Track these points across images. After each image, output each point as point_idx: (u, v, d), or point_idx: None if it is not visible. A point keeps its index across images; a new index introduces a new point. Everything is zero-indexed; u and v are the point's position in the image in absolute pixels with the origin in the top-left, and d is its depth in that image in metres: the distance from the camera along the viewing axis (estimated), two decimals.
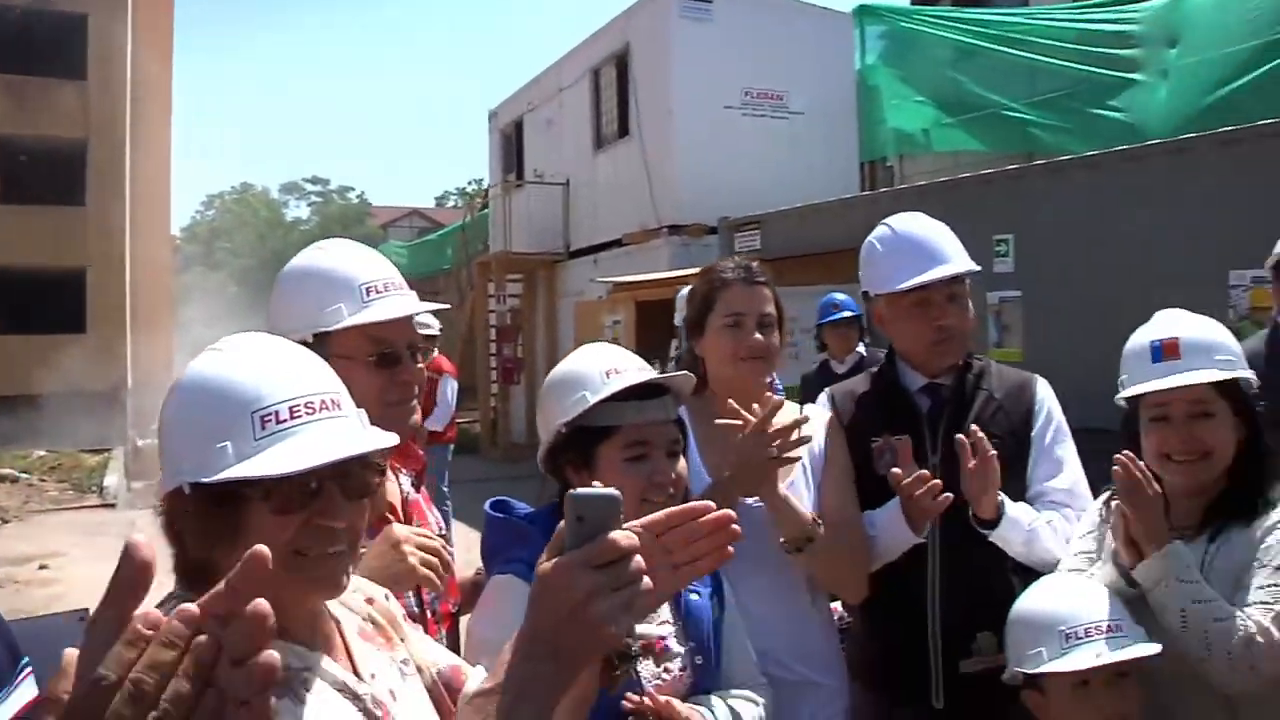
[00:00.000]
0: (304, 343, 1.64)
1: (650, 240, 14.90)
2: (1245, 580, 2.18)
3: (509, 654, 1.23)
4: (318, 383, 1.39)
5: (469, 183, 46.82)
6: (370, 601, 1.63)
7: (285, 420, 1.32)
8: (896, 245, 2.78)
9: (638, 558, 1.20)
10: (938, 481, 2.44)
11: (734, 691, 2.20)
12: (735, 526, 1.27)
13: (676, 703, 2.00)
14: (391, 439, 1.40)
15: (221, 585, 0.82)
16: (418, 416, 2.17)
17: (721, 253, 11.87)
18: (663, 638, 1.38)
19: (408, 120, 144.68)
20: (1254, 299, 6.67)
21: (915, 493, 2.44)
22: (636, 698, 1.99)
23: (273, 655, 0.79)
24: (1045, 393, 2.80)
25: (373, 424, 1.45)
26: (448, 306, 2.63)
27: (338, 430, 1.36)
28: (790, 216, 11.95)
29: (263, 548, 0.83)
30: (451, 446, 10.37)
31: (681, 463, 2.16)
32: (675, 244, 14.40)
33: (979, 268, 2.76)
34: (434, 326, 10.54)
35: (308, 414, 1.33)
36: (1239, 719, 2.18)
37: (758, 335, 2.57)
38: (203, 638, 0.79)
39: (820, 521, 2.48)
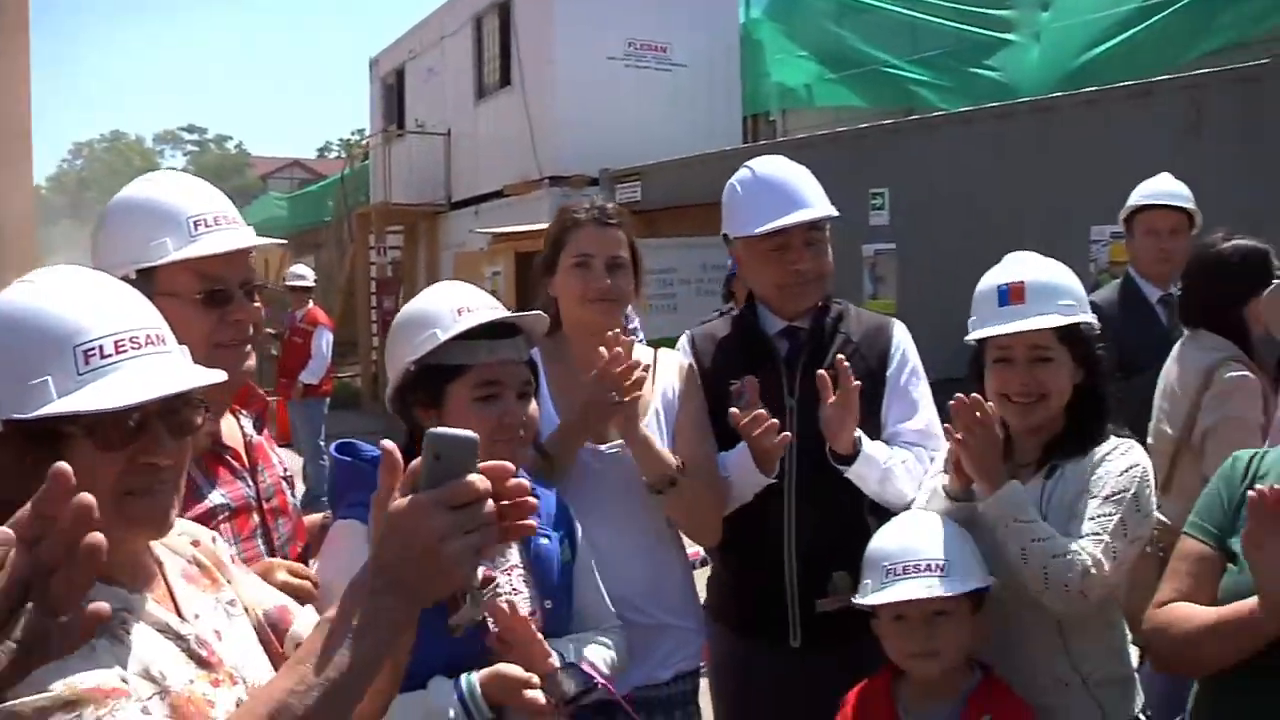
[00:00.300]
0: (127, 279, 1.57)
1: (532, 191, 14.72)
2: (1079, 509, 2.26)
3: (352, 588, 1.22)
4: (141, 318, 1.35)
5: (352, 134, 45.66)
6: (196, 544, 1.58)
7: (110, 355, 1.28)
8: (756, 189, 2.77)
9: (490, 502, 1.21)
10: (774, 421, 2.45)
11: (584, 635, 2.19)
12: (533, 499, 1.25)
13: (523, 631, 1.97)
14: (217, 375, 1.36)
15: (27, 507, 0.81)
16: (252, 362, 2.08)
17: None
18: (494, 577, 1.37)
19: (289, 68, 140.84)
20: (1113, 253, 6.90)
21: (754, 433, 2.44)
22: (505, 614, 1.94)
23: (97, 537, 0.81)
24: (902, 335, 2.83)
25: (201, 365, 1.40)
26: (283, 242, 2.51)
27: (163, 366, 1.32)
28: (671, 168, 11.94)
29: (63, 465, 0.82)
30: (327, 400, 10.17)
31: (533, 405, 2.13)
32: (556, 195, 14.22)
33: (837, 213, 2.76)
34: (309, 278, 10.31)
35: (133, 349, 1.30)
36: (1064, 634, 2.29)
37: (607, 279, 2.54)
38: (11, 551, 0.79)
39: (682, 463, 2.47)
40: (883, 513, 2.67)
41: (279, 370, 10.23)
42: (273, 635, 1.57)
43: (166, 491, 1.35)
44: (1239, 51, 8.94)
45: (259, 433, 2.26)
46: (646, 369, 2.37)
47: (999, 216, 7.74)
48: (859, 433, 2.53)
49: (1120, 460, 2.30)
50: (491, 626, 1.92)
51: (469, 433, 1.20)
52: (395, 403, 2.14)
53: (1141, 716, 2.39)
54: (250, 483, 2.13)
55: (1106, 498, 2.25)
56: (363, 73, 22.23)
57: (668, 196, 11.32)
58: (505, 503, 1.24)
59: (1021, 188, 7.82)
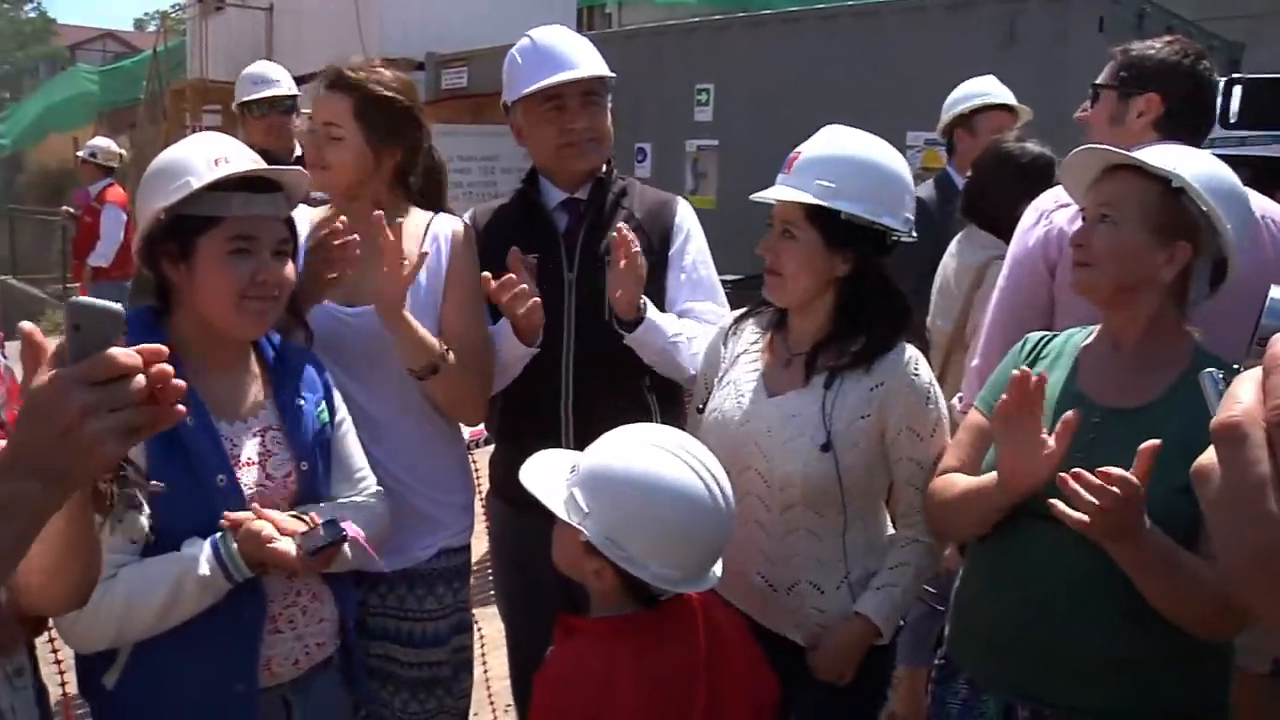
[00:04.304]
0: None
1: None
2: (868, 428, 2.24)
3: None
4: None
5: (171, 5, 42.91)
6: None
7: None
8: (533, 53, 2.73)
9: (140, 378, 1.10)
10: (524, 287, 2.41)
11: (343, 499, 2.16)
12: (179, 383, 1.13)
13: (275, 514, 1.94)
14: None
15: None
16: None
17: (427, 89, 11.46)
18: (159, 488, 1.29)
19: None
20: (926, 159, 7.07)
21: (503, 299, 2.41)
22: (233, 515, 1.91)
23: None
24: (685, 213, 2.82)
25: None
26: None
27: None
28: (499, 54, 11.55)
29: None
30: (128, 284, 9.63)
31: (289, 266, 2.05)
32: None
33: (613, 74, 2.74)
34: (101, 154, 9.59)
35: None
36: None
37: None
38: None
39: (447, 349, 2.42)
40: (663, 389, 2.71)
41: (73, 253, 9.62)
42: None
43: None
44: None
45: None
46: (385, 247, 2.28)
47: (820, 117, 7.79)
48: (645, 299, 2.50)
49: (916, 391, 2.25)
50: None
51: (115, 305, 1.11)
52: (143, 254, 2.04)
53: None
54: None
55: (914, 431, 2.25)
56: None
57: (495, 82, 11.03)
58: (157, 386, 1.13)
59: (843, 90, 7.91)
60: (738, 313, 2.55)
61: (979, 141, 4.26)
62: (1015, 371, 1.91)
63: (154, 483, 1.29)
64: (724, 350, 2.49)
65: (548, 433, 2.64)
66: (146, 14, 63.67)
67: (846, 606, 2.26)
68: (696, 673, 1.86)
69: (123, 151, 10.18)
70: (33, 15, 59.90)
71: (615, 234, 2.46)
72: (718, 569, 1.91)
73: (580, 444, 2.61)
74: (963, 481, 2.11)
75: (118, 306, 1.10)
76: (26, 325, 1.18)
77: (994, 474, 1.98)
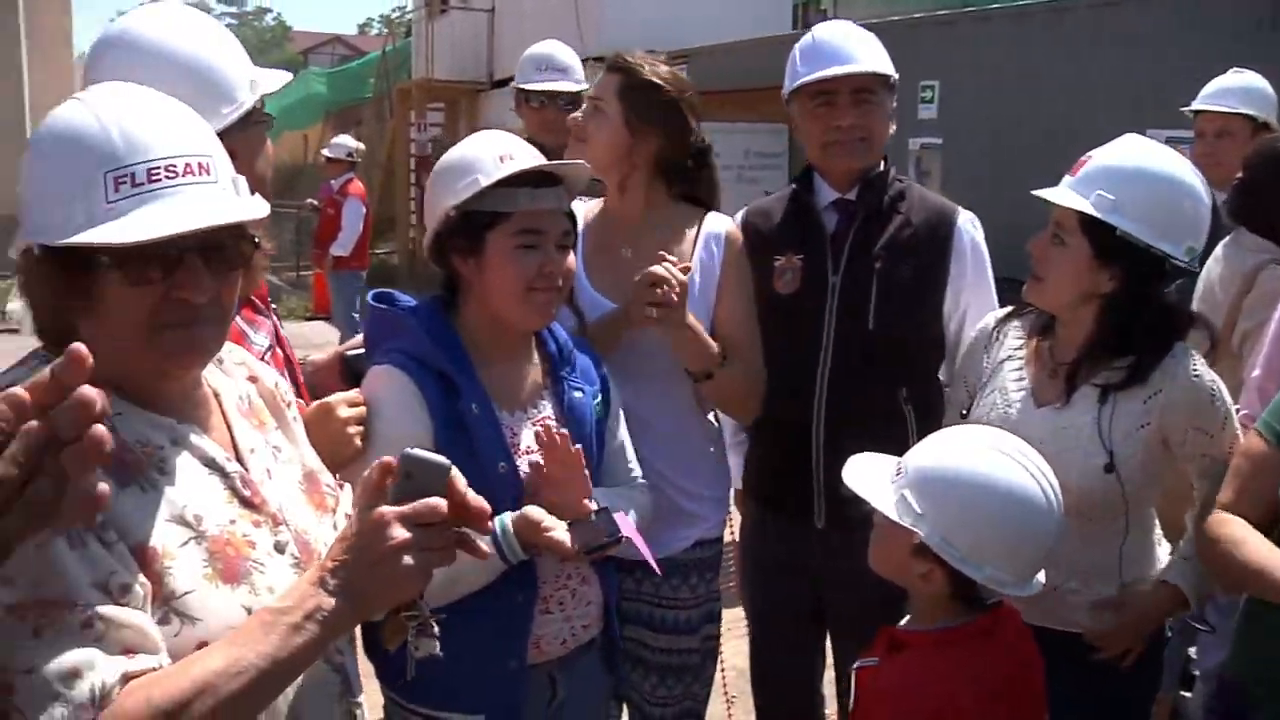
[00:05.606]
0: None
1: None
2: (1148, 437, 2.16)
3: (303, 583, 1.25)
4: (186, 143, 1.27)
5: (393, 10, 44.91)
6: (253, 380, 1.57)
7: (142, 183, 1.22)
8: (810, 48, 2.66)
9: (451, 530, 1.26)
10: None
11: (615, 489, 2.23)
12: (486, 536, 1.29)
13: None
14: (257, 209, 1.32)
15: (46, 373, 0.78)
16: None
17: None
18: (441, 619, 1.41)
19: None
20: None
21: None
22: (551, 425, 2.03)
23: (100, 431, 0.78)
24: (968, 227, 2.68)
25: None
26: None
27: (202, 197, 1.26)
28: (718, 52, 11.71)
29: (80, 347, 0.78)
30: (363, 274, 10.17)
31: (571, 257, 2.12)
32: (601, 75, 14.03)
33: (894, 74, 2.66)
34: (343, 150, 10.13)
35: (169, 177, 1.23)
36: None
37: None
38: (32, 423, 0.77)
39: (723, 353, 2.45)
40: (920, 400, 2.63)
41: (314, 241, 10.19)
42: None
43: (205, 324, 1.31)
44: None
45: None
46: (683, 287, 2.30)
47: (1053, 113, 7.55)
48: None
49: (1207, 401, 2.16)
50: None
51: (444, 460, 1.26)
52: (433, 250, 2.14)
53: None
54: (268, 317, 2.14)
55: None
56: None
57: (714, 80, 11.11)
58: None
59: (1074, 84, 7.61)
60: (999, 314, 2.49)
61: (1206, 143, 3.99)
62: None
63: (436, 614, 1.38)
64: (986, 356, 2.43)
65: (799, 435, 2.65)
66: (369, 19, 66.79)
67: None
68: (1026, 683, 1.85)
69: (361, 146, 10.73)
70: (273, 24, 63.86)
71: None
72: (1041, 575, 1.89)
73: (829, 448, 2.60)
74: (1249, 547, 1.93)
75: (445, 461, 1.26)
76: (385, 460, 1.28)
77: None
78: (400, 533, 1.21)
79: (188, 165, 1.26)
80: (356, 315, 9.77)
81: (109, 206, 1.20)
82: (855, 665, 2.00)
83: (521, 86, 4.43)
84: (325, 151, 10.35)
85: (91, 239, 1.19)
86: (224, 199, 1.29)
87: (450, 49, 18.16)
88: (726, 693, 3.58)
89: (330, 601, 1.22)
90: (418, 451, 1.25)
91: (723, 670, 3.34)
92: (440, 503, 1.24)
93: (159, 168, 1.23)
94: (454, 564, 1.94)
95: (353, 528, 1.24)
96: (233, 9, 68.33)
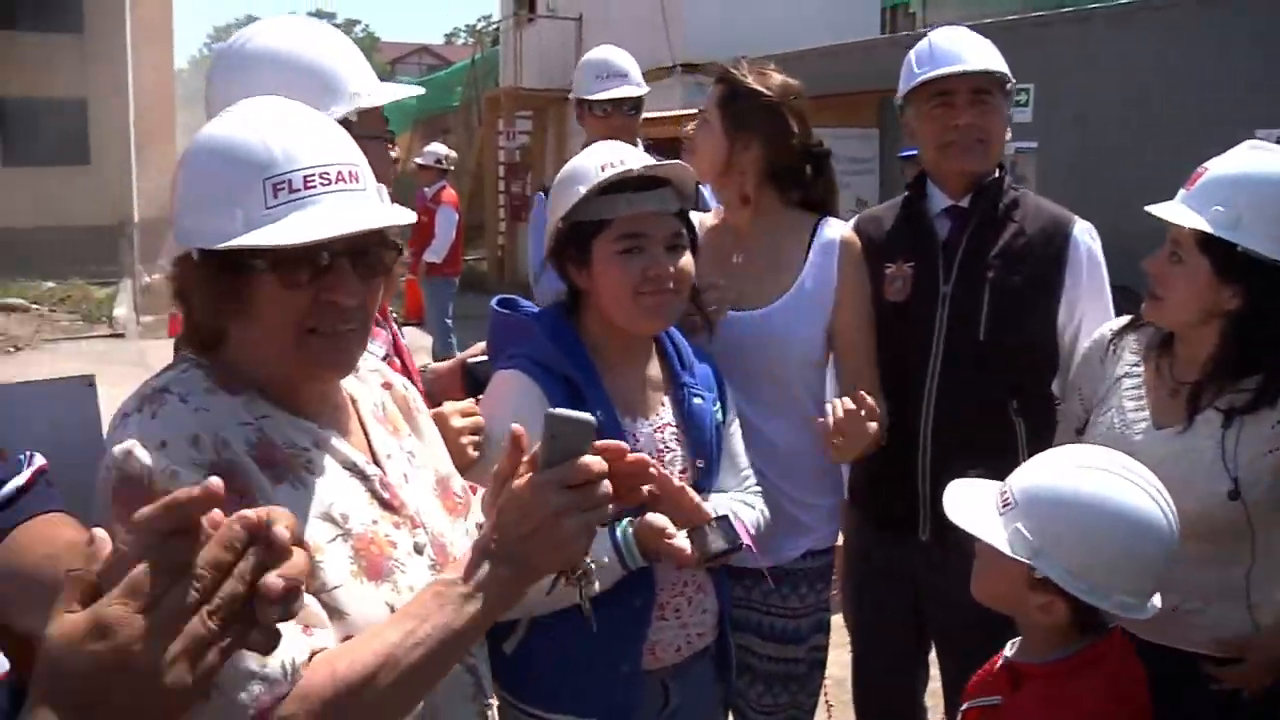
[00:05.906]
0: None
1: (663, 78, 14.54)
2: (1276, 463, 2.07)
3: (473, 551, 1.27)
4: (336, 152, 1.33)
5: (479, 19, 45.58)
6: (387, 386, 1.63)
7: (298, 190, 1.27)
8: (926, 51, 2.64)
9: (606, 483, 1.26)
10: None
11: (734, 495, 2.24)
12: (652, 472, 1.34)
13: (689, 489, 2.04)
14: (405, 215, 1.36)
15: (266, 511, 0.86)
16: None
17: None
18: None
19: None
20: None
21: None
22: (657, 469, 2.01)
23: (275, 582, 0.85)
24: (1084, 237, 2.62)
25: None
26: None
27: (352, 203, 1.31)
28: (808, 57, 11.63)
29: (217, 480, 0.85)
30: (456, 280, 10.32)
31: (686, 258, 2.13)
32: (689, 83, 14.04)
33: (1010, 77, 2.62)
34: (433, 158, 10.27)
35: (322, 185, 1.29)
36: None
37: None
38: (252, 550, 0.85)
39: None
40: (1031, 412, 2.59)
41: (409, 246, 10.35)
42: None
43: (351, 332, 1.36)
44: None
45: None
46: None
47: (1155, 117, 7.39)
48: None
49: None
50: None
51: (586, 415, 1.26)
52: (553, 261, 2.19)
53: None
54: (385, 327, 2.19)
55: None
56: None
57: (805, 86, 11.09)
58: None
59: (1179, 87, 7.43)
60: (1115, 325, 2.43)
61: None
62: None
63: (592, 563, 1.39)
64: (1102, 369, 2.39)
65: (906, 448, 2.62)
66: (455, 28, 67.74)
67: (1241, 628, 2.14)
68: (1135, 699, 1.83)
69: (453, 153, 10.89)
70: (361, 36, 65.18)
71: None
72: (1157, 598, 1.83)
73: (936, 460, 2.59)
74: None
75: (589, 417, 1.26)
76: (517, 428, 1.31)
77: None
78: (556, 498, 1.23)
79: (339, 173, 1.31)
80: (449, 321, 9.92)
81: (267, 212, 1.26)
82: (968, 705, 1.95)
83: (584, 97, 4.39)
84: (417, 159, 10.53)
85: (254, 241, 1.24)
86: (372, 206, 1.35)
87: (538, 57, 18.34)
88: (827, 701, 3.57)
89: (498, 571, 1.25)
90: (561, 411, 1.26)
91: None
92: (590, 462, 1.24)
93: (314, 175, 1.29)
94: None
95: (510, 497, 1.27)
96: (324, 21, 69.63)
